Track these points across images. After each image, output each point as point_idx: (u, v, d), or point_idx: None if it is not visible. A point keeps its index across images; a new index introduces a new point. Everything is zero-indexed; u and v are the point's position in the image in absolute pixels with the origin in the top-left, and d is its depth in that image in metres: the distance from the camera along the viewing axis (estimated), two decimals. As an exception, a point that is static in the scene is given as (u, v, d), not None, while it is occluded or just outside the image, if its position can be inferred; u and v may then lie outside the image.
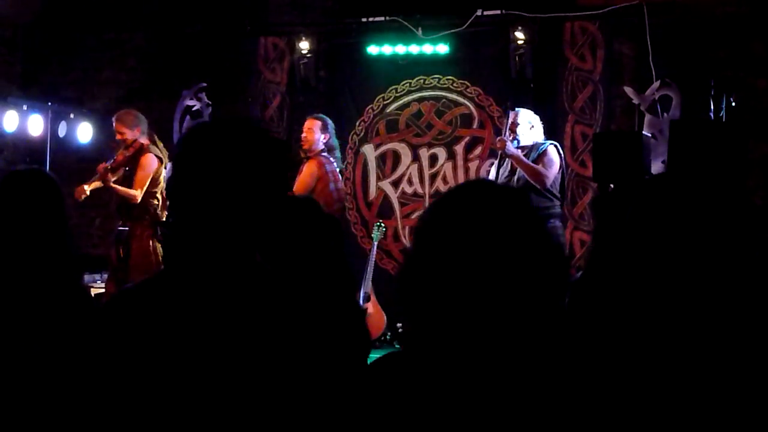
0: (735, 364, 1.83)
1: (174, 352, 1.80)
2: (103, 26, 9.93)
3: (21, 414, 2.23)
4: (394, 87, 9.29)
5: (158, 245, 7.28)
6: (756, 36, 8.16)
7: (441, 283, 1.61)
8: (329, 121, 7.68)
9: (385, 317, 8.22)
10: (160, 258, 7.24)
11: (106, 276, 7.86)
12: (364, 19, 9.15)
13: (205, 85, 9.45)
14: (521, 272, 1.60)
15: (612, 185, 6.76)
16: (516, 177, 7.12)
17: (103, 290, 7.70)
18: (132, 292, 1.94)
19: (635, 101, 8.28)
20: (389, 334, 8.44)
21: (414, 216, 9.19)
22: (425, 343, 1.64)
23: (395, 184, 9.28)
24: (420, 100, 9.24)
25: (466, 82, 9.09)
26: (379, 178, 9.33)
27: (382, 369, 1.71)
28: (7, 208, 2.79)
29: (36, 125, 9.00)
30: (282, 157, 2.01)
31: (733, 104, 7.79)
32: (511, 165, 7.20)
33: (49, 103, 9.20)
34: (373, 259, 8.43)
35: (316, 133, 7.51)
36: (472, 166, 9.03)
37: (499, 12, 8.71)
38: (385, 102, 9.31)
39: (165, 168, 7.40)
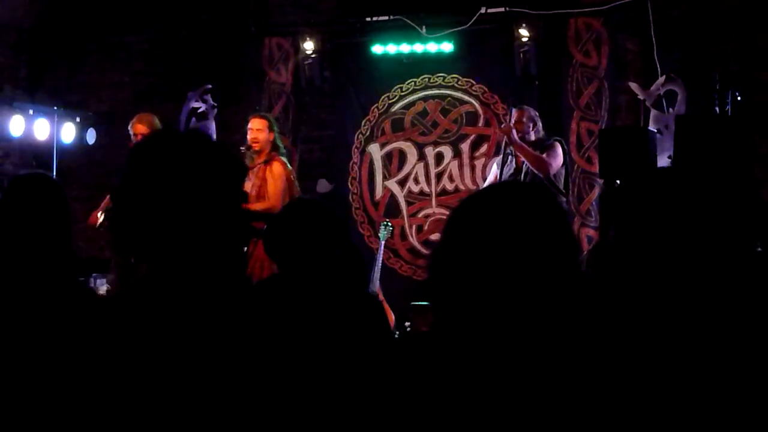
0: (739, 362, 1.83)
1: (179, 352, 1.80)
2: (108, 29, 9.94)
3: (21, 415, 2.23)
4: (399, 86, 9.28)
5: None
6: (760, 29, 8.14)
7: (470, 272, 1.63)
8: (274, 120, 7.52)
9: (393, 316, 8.22)
10: None
11: (109, 278, 7.86)
12: (368, 19, 9.14)
13: (210, 86, 9.46)
14: (546, 264, 1.63)
15: (618, 181, 6.76)
16: (522, 175, 7.12)
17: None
18: (122, 298, 1.95)
19: (640, 97, 8.27)
20: (397, 332, 8.44)
21: (420, 215, 9.19)
22: (454, 331, 1.67)
23: (401, 183, 9.28)
24: (425, 98, 9.23)
25: (470, 80, 9.09)
26: (385, 177, 9.32)
27: (410, 350, 1.74)
28: (13, 212, 2.80)
29: (42, 129, 9.02)
30: (228, 166, 1.99)
31: (739, 98, 7.77)
32: (516, 163, 7.19)
33: (55, 108, 9.22)
34: (381, 258, 8.43)
35: (266, 132, 7.31)
36: (478, 164, 9.03)
37: (503, 9, 8.70)
38: (390, 101, 9.31)
39: None
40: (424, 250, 9.13)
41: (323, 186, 9.29)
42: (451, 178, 9.12)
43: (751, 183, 6.13)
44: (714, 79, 7.93)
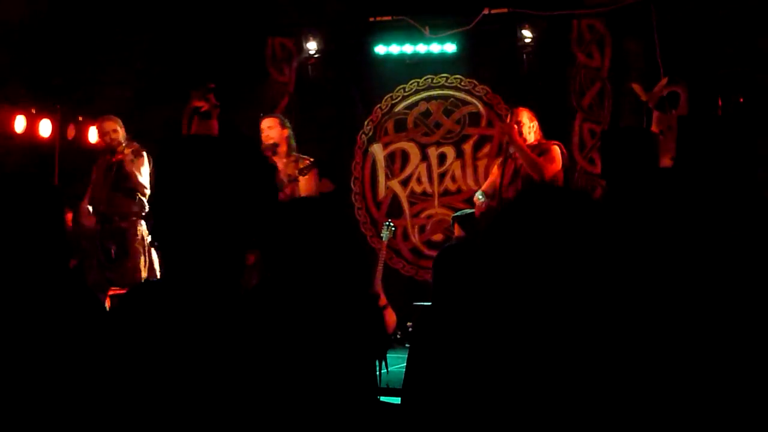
0: (740, 361, 1.83)
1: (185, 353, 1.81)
2: (111, 28, 9.94)
3: (18, 416, 2.24)
4: (402, 86, 9.30)
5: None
6: (763, 32, 8.14)
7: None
8: (285, 119, 7.50)
9: (395, 316, 8.23)
10: (153, 257, 7.30)
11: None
12: (371, 19, 9.15)
13: (213, 86, 9.45)
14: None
15: (621, 182, 6.75)
16: (518, 177, 7.11)
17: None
18: (139, 298, 1.95)
19: (643, 98, 8.27)
20: (399, 333, 8.44)
21: (423, 215, 9.20)
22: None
23: (404, 183, 9.29)
24: (428, 99, 9.25)
25: (473, 81, 9.10)
26: (388, 178, 9.33)
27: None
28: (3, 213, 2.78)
29: (44, 128, 9.03)
30: (261, 167, 2.02)
31: (741, 100, 7.77)
32: (515, 165, 7.19)
33: (58, 106, 9.22)
34: (383, 259, 8.43)
35: (278, 129, 7.18)
36: (481, 164, 9.04)
37: (506, 10, 8.71)
38: (393, 101, 9.32)
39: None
40: (426, 251, 9.14)
41: (326, 186, 9.29)
42: (453, 179, 9.13)
43: (753, 184, 6.13)
44: (717, 81, 7.93)
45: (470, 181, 9.03)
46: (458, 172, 9.13)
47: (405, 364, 6.35)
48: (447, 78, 9.18)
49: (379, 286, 8.25)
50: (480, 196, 7.28)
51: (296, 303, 1.97)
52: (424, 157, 9.23)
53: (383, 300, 8.23)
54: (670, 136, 7.71)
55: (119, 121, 7.73)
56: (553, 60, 8.70)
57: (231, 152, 1.96)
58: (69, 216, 8.40)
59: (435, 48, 8.95)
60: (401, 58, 9.13)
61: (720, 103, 7.83)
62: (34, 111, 9.02)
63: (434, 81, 9.22)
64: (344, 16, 9.32)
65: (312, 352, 1.90)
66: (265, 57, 9.45)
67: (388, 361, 6.30)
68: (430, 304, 6.85)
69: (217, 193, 1.90)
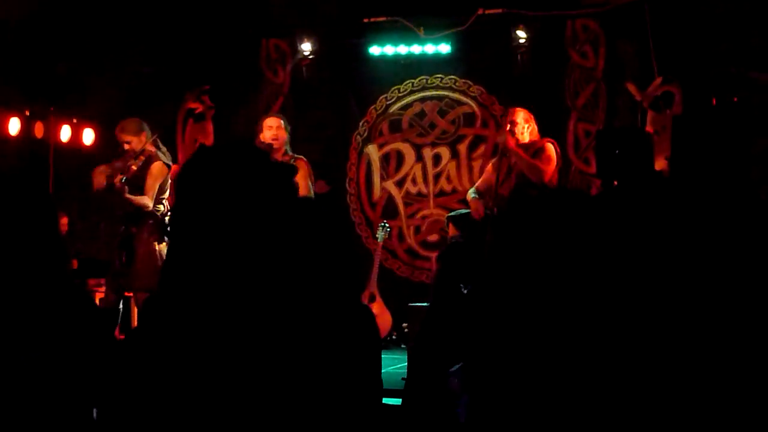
0: (737, 362, 1.83)
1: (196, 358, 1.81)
2: (105, 30, 9.94)
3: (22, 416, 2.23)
4: (396, 87, 9.30)
5: (163, 250, 7.27)
6: (757, 31, 8.15)
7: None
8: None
9: (390, 318, 8.23)
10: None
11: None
12: (365, 20, 9.15)
13: (207, 87, 9.46)
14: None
15: (616, 182, 6.76)
16: (513, 176, 7.11)
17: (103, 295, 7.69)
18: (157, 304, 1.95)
19: (638, 98, 8.28)
20: (395, 334, 8.44)
21: (418, 216, 9.20)
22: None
23: (399, 184, 9.29)
24: (422, 99, 9.25)
25: (468, 82, 9.10)
26: (383, 178, 9.33)
27: None
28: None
29: (39, 130, 9.02)
30: (287, 178, 2.02)
31: (735, 99, 7.79)
32: (509, 164, 7.19)
33: (52, 108, 9.21)
34: (378, 260, 8.44)
35: (284, 131, 7.28)
36: (476, 165, 9.04)
37: (500, 11, 8.71)
38: (387, 102, 9.32)
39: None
40: (421, 251, 9.14)
41: (321, 187, 9.30)
42: (448, 179, 9.14)
43: (747, 183, 6.14)
44: (710, 80, 7.94)
45: (465, 182, 9.02)
46: (453, 173, 9.13)
47: (405, 364, 6.36)
48: (441, 78, 9.19)
49: (374, 287, 8.25)
50: (473, 194, 7.27)
51: (291, 304, 1.96)
52: (419, 158, 9.24)
53: (379, 301, 8.24)
54: (665, 135, 7.72)
55: (133, 128, 7.58)
56: (548, 60, 8.71)
57: (256, 162, 1.97)
58: (64, 220, 8.40)
59: (429, 49, 8.96)
60: (396, 59, 9.13)
61: (714, 102, 7.85)
62: (28, 113, 9.01)
63: (429, 82, 9.23)
64: (338, 17, 9.32)
65: (309, 354, 1.90)
66: (260, 58, 9.46)
67: (382, 363, 6.29)
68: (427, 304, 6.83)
69: (242, 203, 1.90)
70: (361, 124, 9.38)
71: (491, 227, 6.74)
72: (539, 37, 8.60)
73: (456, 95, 9.15)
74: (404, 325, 8.25)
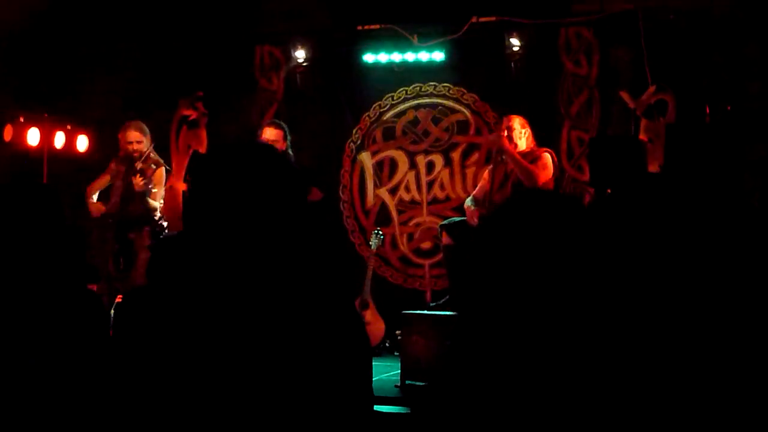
0: (735, 363, 1.84)
1: (183, 355, 1.80)
2: (99, 37, 9.93)
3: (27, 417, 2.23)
4: (390, 95, 9.30)
5: None
6: (750, 40, 8.17)
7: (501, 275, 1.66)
8: (287, 129, 7.55)
9: (383, 325, 8.22)
10: None
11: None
12: (359, 28, 9.16)
13: (201, 94, 9.43)
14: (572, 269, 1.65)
15: (609, 190, 6.76)
16: (509, 183, 7.12)
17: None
18: (142, 297, 1.95)
19: (631, 105, 8.29)
20: (388, 342, 8.43)
21: (411, 223, 9.20)
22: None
23: (392, 191, 9.29)
24: (416, 107, 9.25)
25: (462, 89, 9.11)
26: (376, 186, 9.33)
27: None
28: (9, 222, 2.76)
29: (33, 137, 9.00)
30: (297, 178, 2.03)
31: (729, 107, 7.80)
32: (505, 170, 7.19)
33: (46, 114, 9.20)
34: (372, 267, 8.43)
35: (281, 143, 7.32)
36: (470, 172, 9.04)
37: (494, 19, 8.72)
38: (381, 110, 9.32)
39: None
40: (415, 259, 9.14)
41: (314, 194, 9.28)
42: (442, 187, 9.14)
43: (741, 191, 6.15)
44: (704, 88, 7.96)
45: (459, 189, 9.03)
46: (446, 180, 9.13)
47: (398, 371, 6.35)
48: (435, 86, 9.19)
49: (368, 294, 8.24)
50: (470, 203, 7.30)
51: (285, 309, 1.96)
52: (413, 165, 9.24)
53: (372, 308, 8.22)
54: (658, 143, 7.73)
55: (145, 128, 7.68)
56: (541, 68, 8.72)
57: (269, 162, 1.97)
58: None
59: (423, 56, 8.96)
60: (389, 67, 9.13)
61: (708, 111, 7.86)
62: (22, 119, 8.99)
63: (422, 89, 9.23)
64: (332, 25, 9.31)
65: (299, 360, 1.90)
66: (254, 65, 9.46)
67: (373, 370, 6.28)
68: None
69: (253, 202, 1.90)
70: (354, 131, 9.38)
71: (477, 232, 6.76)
72: (533, 45, 8.62)
73: (450, 103, 9.16)
74: (397, 332, 8.22)
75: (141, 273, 7.20)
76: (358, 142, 9.38)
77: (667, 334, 1.87)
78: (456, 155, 9.13)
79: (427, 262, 9.08)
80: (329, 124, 9.44)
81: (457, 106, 9.14)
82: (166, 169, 7.35)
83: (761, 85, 8.16)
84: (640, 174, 6.65)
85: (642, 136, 7.83)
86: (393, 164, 9.30)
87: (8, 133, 8.85)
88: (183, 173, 5.46)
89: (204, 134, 9.44)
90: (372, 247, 8.49)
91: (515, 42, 8.54)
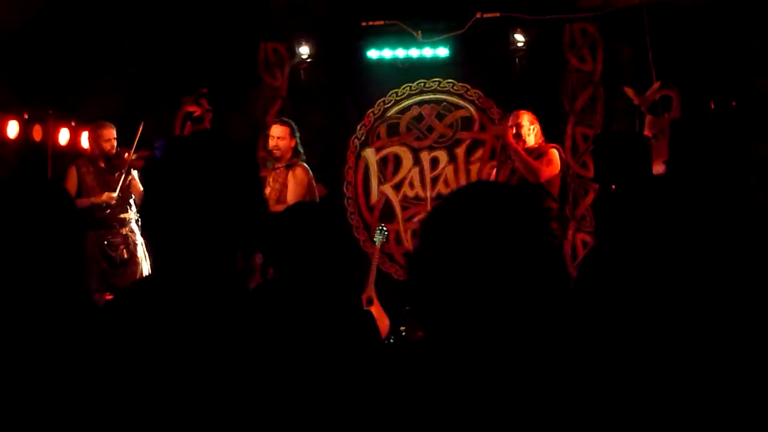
0: (735, 364, 1.83)
1: (174, 355, 1.80)
2: (104, 33, 9.93)
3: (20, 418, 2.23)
4: (394, 91, 9.30)
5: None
6: (756, 36, 8.15)
7: (447, 279, 1.63)
8: (295, 126, 7.56)
9: (388, 321, 8.22)
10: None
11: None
12: (363, 24, 9.15)
13: (205, 91, 9.45)
14: (523, 269, 1.62)
15: (614, 186, 6.76)
16: (513, 178, 7.12)
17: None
18: (126, 298, 1.95)
19: (636, 102, 8.28)
20: (392, 337, 8.43)
21: (416, 219, 9.19)
22: (436, 334, 1.67)
23: (397, 187, 9.29)
24: (420, 103, 9.25)
25: (466, 85, 9.10)
26: (380, 182, 9.33)
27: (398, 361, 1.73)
28: (14, 219, 2.75)
29: (37, 133, 9.01)
30: (249, 164, 2.03)
31: (734, 104, 7.79)
32: (511, 168, 7.19)
33: (50, 111, 9.20)
34: (376, 263, 8.43)
35: (288, 140, 7.36)
36: (474, 168, 9.04)
37: (498, 14, 8.71)
38: (385, 106, 9.32)
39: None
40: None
41: (319, 190, 9.29)
42: (446, 183, 9.13)
43: (746, 188, 6.14)
44: (709, 85, 7.95)
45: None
46: (451, 176, 9.13)
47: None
48: (439, 82, 9.19)
49: (372, 290, 8.24)
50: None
51: (294, 304, 1.96)
52: (417, 162, 9.24)
53: (376, 304, 8.23)
54: (663, 139, 7.73)
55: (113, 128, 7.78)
56: (546, 64, 8.71)
57: (220, 152, 1.97)
58: None
59: (427, 52, 8.96)
60: (394, 63, 9.13)
61: (712, 107, 7.85)
62: (26, 116, 8.99)
63: (427, 85, 9.23)
64: (337, 21, 9.31)
65: (309, 354, 1.89)
66: (258, 62, 9.45)
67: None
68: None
69: (207, 192, 1.90)
70: (358, 127, 9.38)
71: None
72: (537, 41, 8.61)
73: (454, 99, 9.15)
74: (401, 328, 8.24)
75: (137, 270, 7.25)
76: (362, 138, 9.38)
77: (662, 333, 1.87)
78: (460, 151, 9.12)
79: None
80: (333, 121, 9.44)
81: (462, 102, 9.13)
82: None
83: (767, 81, 8.14)
84: (645, 170, 6.65)
85: (646, 132, 7.84)
86: (397, 160, 9.30)
87: (13, 130, 8.85)
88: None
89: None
90: (376, 244, 8.49)
91: (519, 38, 8.53)
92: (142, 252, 7.46)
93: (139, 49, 9.96)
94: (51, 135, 9.12)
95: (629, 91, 8.32)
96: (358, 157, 9.38)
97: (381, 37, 9.08)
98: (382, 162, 9.34)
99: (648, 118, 8.24)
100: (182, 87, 9.52)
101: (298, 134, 7.43)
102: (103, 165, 7.53)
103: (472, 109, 9.10)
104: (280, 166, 7.23)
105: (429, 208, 9.11)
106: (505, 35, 8.62)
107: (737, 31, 8.18)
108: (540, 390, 1.62)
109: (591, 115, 8.57)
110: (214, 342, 1.82)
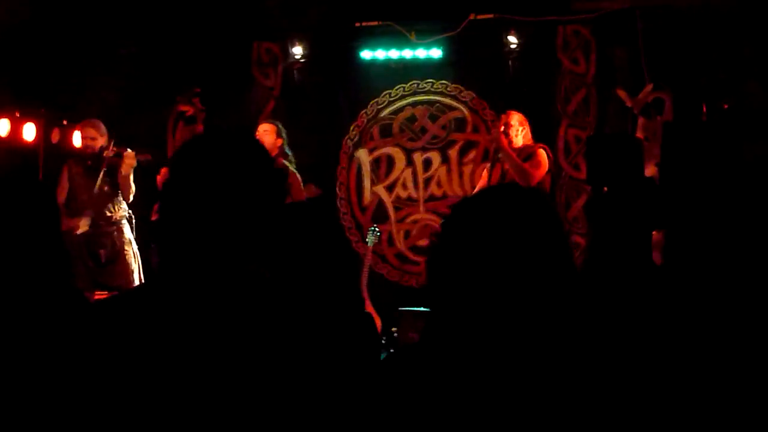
0: (735, 365, 1.83)
1: (172, 360, 1.79)
2: (97, 32, 9.91)
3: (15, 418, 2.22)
4: (387, 91, 9.30)
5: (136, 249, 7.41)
6: (748, 39, 8.17)
7: (465, 274, 1.64)
8: (282, 127, 7.55)
9: (380, 322, 8.22)
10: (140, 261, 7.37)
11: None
12: (357, 24, 9.15)
13: (198, 90, 9.44)
14: (538, 267, 1.64)
15: (606, 188, 6.76)
16: (505, 181, 7.12)
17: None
18: (125, 301, 1.94)
19: (628, 104, 8.29)
20: (384, 338, 8.43)
21: (408, 220, 9.20)
22: (449, 330, 1.68)
23: (389, 188, 9.29)
24: (414, 104, 9.25)
25: (459, 87, 9.11)
26: (373, 183, 9.33)
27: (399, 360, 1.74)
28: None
29: (29, 132, 8.98)
30: (275, 168, 2.02)
31: (726, 107, 7.80)
32: (502, 169, 7.19)
33: (42, 110, 9.17)
34: (368, 264, 8.43)
35: (272, 136, 7.29)
36: (467, 170, 9.04)
37: (492, 16, 8.72)
38: (378, 106, 9.32)
39: None
40: (411, 256, 9.14)
41: (311, 191, 9.29)
42: (439, 184, 9.14)
43: (738, 190, 6.15)
44: (701, 87, 7.96)
45: (456, 187, 9.03)
46: (444, 178, 9.13)
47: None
48: (433, 83, 9.19)
49: (364, 291, 8.24)
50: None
51: (287, 304, 1.95)
52: (410, 163, 9.24)
53: (368, 305, 8.22)
54: (655, 142, 7.73)
55: (103, 129, 7.71)
56: (539, 66, 8.72)
57: (247, 153, 1.96)
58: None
59: (421, 53, 8.96)
60: (387, 64, 9.13)
61: (705, 109, 7.86)
62: (18, 114, 8.97)
63: (420, 86, 9.23)
64: (330, 21, 9.31)
65: (303, 355, 1.89)
66: (251, 61, 9.44)
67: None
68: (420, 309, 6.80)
69: (229, 194, 1.88)
70: (351, 128, 9.37)
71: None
72: (531, 43, 8.62)
73: (447, 100, 9.16)
74: (393, 329, 8.24)
75: (125, 268, 7.23)
76: (355, 138, 9.37)
77: (656, 329, 1.87)
78: (453, 152, 9.12)
79: (423, 260, 9.07)
80: (326, 121, 9.43)
81: (455, 104, 9.13)
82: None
83: (759, 84, 8.16)
84: (637, 172, 6.66)
85: (639, 135, 7.85)
86: (390, 161, 9.30)
87: (4, 128, 8.82)
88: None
89: (201, 130, 9.44)
90: (368, 244, 8.50)
91: (513, 39, 8.55)
92: (132, 250, 7.43)
93: (132, 48, 9.95)
94: (42, 134, 9.09)
95: (622, 94, 8.33)
96: (351, 157, 9.37)
97: (374, 37, 9.08)
98: (375, 163, 9.34)
99: (640, 121, 8.25)
100: (175, 86, 9.50)
101: (285, 135, 7.43)
102: (90, 163, 7.50)
103: (465, 110, 9.10)
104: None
105: (422, 209, 9.13)
106: (498, 37, 8.63)
107: (729, 34, 8.20)
108: (544, 388, 1.62)
109: (584, 117, 8.58)
110: (214, 342, 1.81)
